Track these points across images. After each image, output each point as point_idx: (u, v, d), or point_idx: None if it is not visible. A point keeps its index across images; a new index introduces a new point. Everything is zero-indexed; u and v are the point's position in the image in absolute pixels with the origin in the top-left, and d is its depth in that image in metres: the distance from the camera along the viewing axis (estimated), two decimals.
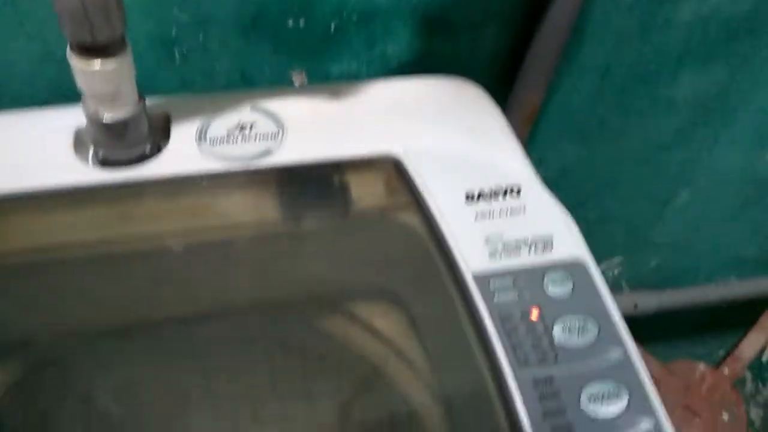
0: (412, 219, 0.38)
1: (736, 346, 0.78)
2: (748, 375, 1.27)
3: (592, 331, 0.34)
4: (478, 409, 0.32)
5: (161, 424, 0.38)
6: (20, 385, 0.37)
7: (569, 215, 0.38)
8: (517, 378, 0.32)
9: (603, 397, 0.31)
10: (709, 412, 0.68)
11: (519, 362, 0.32)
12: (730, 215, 0.81)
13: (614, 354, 0.33)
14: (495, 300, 0.34)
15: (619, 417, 0.31)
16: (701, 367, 0.75)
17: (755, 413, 1.25)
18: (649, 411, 0.31)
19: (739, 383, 0.79)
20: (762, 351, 0.77)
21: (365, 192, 0.40)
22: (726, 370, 0.75)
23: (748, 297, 0.87)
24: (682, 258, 0.87)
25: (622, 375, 0.32)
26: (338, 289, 0.42)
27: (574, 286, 0.35)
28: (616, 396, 0.32)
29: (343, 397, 0.40)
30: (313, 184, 0.39)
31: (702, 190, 0.76)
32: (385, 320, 0.42)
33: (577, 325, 0.34)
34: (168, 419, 0.38)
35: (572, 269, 0.36)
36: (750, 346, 0.77)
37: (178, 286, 0.39)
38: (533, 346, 0.33)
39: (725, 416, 0.69)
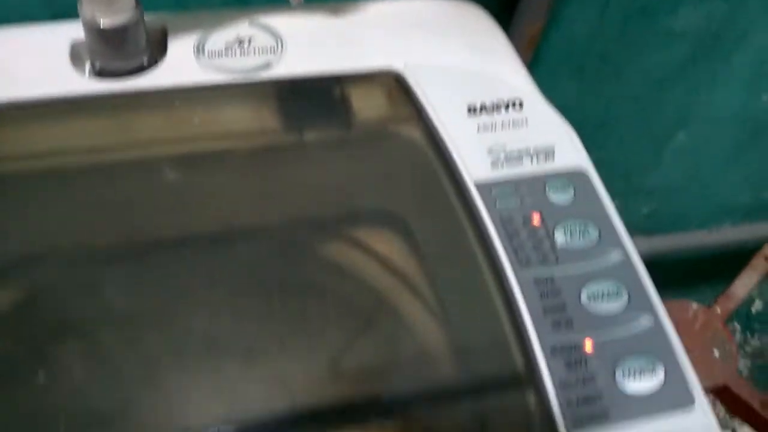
0: (413, 132, 0.38)
1: (728, 286, 0.79)
2: (737, 326, 1.29)
3: (592, 235, 0.34)
4: (480, 310, 0.32)
5: (150, 349, 0.37)
6: (8, 311, 0.37)
7: (571, 128, 0.38)
8: (518, 278, 0.32)
9: (603, 295, 0.32)
10: (701, 349, 0.69)
11: (520, 263, 0.33)
12: (725, 160, 0.82)
13: (614, 256, 0.33)
14: (497, 206, 0.34)
15: (618, 314, 0.31)
16: (694, 305, 0.76)
17: (743, 363, 1.27)
18: (649, 309, 0.32)
19: (730, 323, 0.81)
20: (753, 292, 0.78)
21: (366, 106, 0.39)
22: (718, 309, 0.76)
23: (739, 243, 0.88)
24: (674, 205, 0.88)
25: (622, 275, 0.33)
26: (339, 207, 0.42)
27: (575, 192, 0.35)
28: (616, 294, 0.32)
29: (345, 328, 0.40)
30: (314, 98, 0.39)
31: (698, 132, 0.76)
32: (386, 240, 0.42)
33: (578, 229, 0.34)
34: (156, 350, 0.37)
35: (573, 177, 0.36)
36: (742, 286, 0.78)
37: (172, 203, 0.39)
38: (534, 248, 0.33)
39: (716, 353, 0.71)
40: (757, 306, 1.22)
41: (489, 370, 0.30)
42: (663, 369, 0.30)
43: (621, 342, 0.31)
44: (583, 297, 0.32)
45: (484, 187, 0.35)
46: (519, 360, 0.30)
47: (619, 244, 0.34)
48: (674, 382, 0.30)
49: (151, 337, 0.36)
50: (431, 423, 0.29)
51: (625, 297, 0.32)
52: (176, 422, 0.28)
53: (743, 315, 1.25)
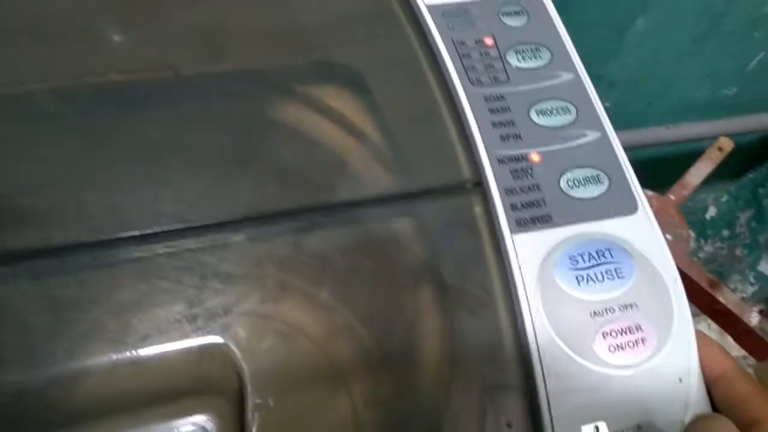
0: None
1: (682, 175, 0.81)
2: (691, 233, 1.33)
3: (544, 57, 0.33)
4: (429, 126, 0.32)
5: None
6: None
7: None
8: (468, 95, 0.32)
9: (552, 111, 0.32)
10: None
11: (471, 82, 0.32)
12: (684, 51, 0.82)
13: (565, 76, 0.33)
14: (449, 29, 0.34)
15: (566, 128, 0.32)
16: (648, 192, 0.77)
17: None
18: (596, 125, 0.32)
19: (684, 208, 0.83)
20: (706, 180, 0.80)
21: None
22: (672, 197, 0.78)
23: (697, 139, 0.89)
24: (634, 100, 0.88)
25: (571, 94, 0.33)
26: (290, 58, 0.40)
27: (529, 17, 0.35)
28: (565, 111, 0.32)
29: (296, 188, 0.39)
30: None
31: (658, 19, 0.75)
32: (334, 90, 0.40)
33: (530, 51, 0.33)
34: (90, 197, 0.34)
35: (528, 3, 0.35)
36: (696, 175, 0.80)
37: (113, 36, 0.37)
38: (486, 68, 0.33)
39: (669, 237, 0.73)
40: (710, 212, 1.26)
41: (436, 179, 0.30)
42: (607, 178, 0.31)
43: (567, 154, 0.31)
44: (533, 113, 0.32)
45: (436, 10, 0.34)
46: (466, 168, 0.30)
47: (570, 66, 0.33)
48: (618, 190, 0.30)
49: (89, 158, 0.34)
50: (379, 227, 0.29)
51: (574, 113, 0.32)
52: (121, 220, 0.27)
53: (698, 222, 1.29)
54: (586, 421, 0.26)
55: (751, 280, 1.19)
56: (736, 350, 0.77)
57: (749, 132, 0.93)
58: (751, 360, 0.76)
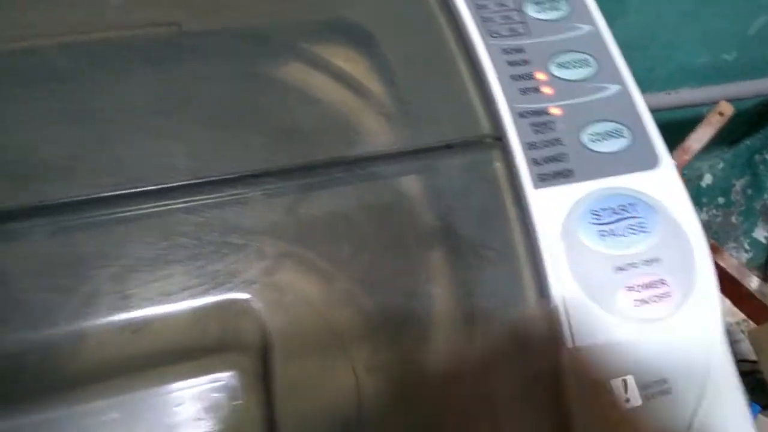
0: None
1: (684, 140, 0.80)
2: None
3: (563, 9, 0.33)
4: (448, 81, 0.31)
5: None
6: None
7: None
8: (487, 48, 0.31)
9: (571, 64, 0.31)
10: None
11: (490, 34, 0.31)
12: (685, 14, 0.81)
13: (584, 29, 0.32)
14: None
15: (587, 82, 0.31)
16: None
17: None
18: (617, 78, 0.31)
19: (685, 173, 0.83)
20: (708, 144, 0.80)
21: None
22: (674, 161, 0.78)
23: (698, 104, 0.89)
24: (635, 65, 0.87)
25: (591, 47, 0.32)
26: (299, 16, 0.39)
27: None
28: (585, 63, 0.31)
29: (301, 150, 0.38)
30: None
31: None
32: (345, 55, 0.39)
33: (548, 2, 0.33)
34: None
35: None
36: (697, 139, 0.80)
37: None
38: (504, 21, 0.32)
39: None
40: (706, 180, 1.26)
41: (455, 134, 0.29)
42: (629, 133, 0.30)
43: (588, 107, 0.30)
44: (552, 66, 0.31)
45: None
46: (487, 123, 0.29)
47: (588, 18, 0.33)
48: (639, 144, 0.30)
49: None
50: (397, 183, 0.29)
51: (594, 66, 0.31)
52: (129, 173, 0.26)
53: (693, 190, 1.29)
54: (613, 376, 0.26)
55: (746, 247, 1.19)
56: (736, 315, 0.78)
57: (749, 98, 0.92)
58: (751, 324, 0.76)
